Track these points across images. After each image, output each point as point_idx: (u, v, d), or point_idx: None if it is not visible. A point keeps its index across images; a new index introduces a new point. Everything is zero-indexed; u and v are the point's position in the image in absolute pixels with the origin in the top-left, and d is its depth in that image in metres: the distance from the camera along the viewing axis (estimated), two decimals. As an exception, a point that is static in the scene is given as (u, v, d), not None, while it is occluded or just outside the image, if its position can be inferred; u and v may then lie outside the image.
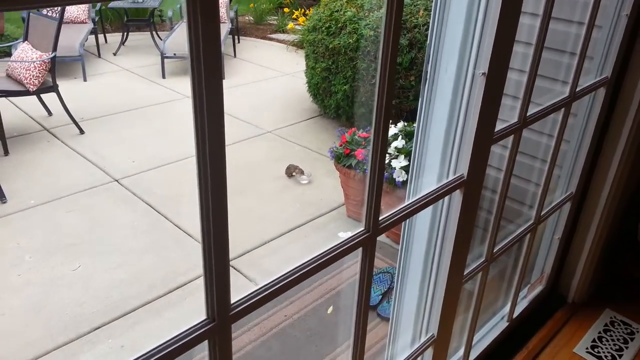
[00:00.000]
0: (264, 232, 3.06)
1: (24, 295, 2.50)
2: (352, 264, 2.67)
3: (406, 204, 0.97)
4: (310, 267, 0.81)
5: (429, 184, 1.09)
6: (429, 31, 1.07)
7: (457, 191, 1.06)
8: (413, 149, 1.15)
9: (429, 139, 1.12)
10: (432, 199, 1.00)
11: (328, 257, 0.83)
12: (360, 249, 0.90)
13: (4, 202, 3.20)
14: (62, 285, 2.57)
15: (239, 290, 2.43)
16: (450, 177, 1.06)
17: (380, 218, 0.90)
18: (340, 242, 0.85)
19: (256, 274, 2.69)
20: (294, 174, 3.63)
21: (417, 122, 1.15)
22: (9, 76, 4.10)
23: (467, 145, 1.03)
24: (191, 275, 2.63)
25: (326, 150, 4.07)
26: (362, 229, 0.88)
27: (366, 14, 3.76)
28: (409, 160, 2.52)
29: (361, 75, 3.78)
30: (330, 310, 2.30)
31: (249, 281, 2.63)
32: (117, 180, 3.54)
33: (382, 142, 0.85)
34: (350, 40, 3.73)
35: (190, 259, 2.78)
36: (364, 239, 0.88)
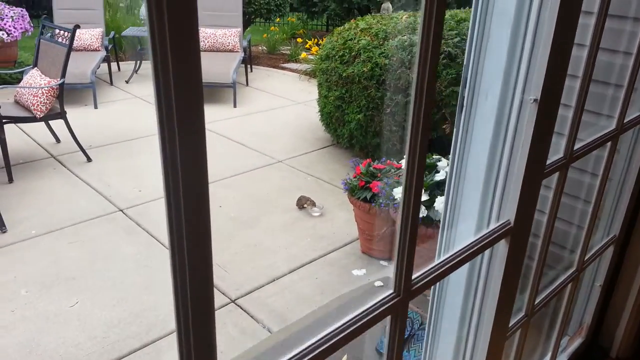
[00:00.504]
0: (273, 267, 2.89)
1: (16, 334, 2.34)
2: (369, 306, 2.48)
3: (441, 260, 0.81)
4: (326, 345, 0.64)
5: (466, 233, 0.93)
6: (466, 52, 0.93)
7: (502, 241, 0.90)
8: (446, 190, 1.00)
9: (465, 177, 0.97)
10: (472, 253, 0.84)
11: (348, 331, 0.67)
12: (389, 317, 0.73)
13: (4, 232, 3.07)
14: (58, 323, 2.41)
15: (246, 335, 2.21)
16: (494, 225, 0.90)
17: (412, 277, 0.74)
18: (363, 311, 0.68)
19: (264, 315, 2.51)
20: (305, 205, 3.48)
21: (451, 157, 1.00)
22: (17, 102, 4.05)
23: (514, 183, 0.87)
24: (194, 315, 2.46)
25: (339, 182, 3.92)
26: (391, 292, 0.72)
27: (381, 42, 3.67)
28: (429, 195, 2.37)
29: (375, 104, 3.66)
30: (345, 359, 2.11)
31: (256, 322, 2.45)
32: (122, 210, 3.41)
33: (416, 183, 0.70)
34: (364, 69, 3.63)
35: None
36: (394, 304, 0.72)
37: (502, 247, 0.91)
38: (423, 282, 0.77)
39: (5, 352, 2.23)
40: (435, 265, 0.80)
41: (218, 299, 2.61)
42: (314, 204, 3.47)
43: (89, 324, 2.41)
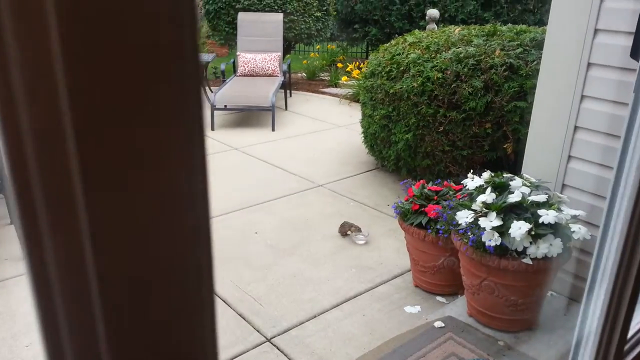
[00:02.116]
0: (314, 302, 2.55)
1: (28, 372, 2.09)
2: (428, 352, 2.10)
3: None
4: None
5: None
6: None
7: None
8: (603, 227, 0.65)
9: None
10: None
11: None
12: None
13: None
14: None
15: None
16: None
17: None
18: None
19: (305, 357, 2.16)
20: (349, 232, 3.15)
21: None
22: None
23: None
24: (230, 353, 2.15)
25: (385, 207, 3.58)
26: None
27: (432, 55, 3.37)
28: (503, 219, 2.00)
29: (426, 122, 3.34)
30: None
31: (295, 366, 2.11)
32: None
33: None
34: (414, 84, 3.33)
35: (228, 331, 2.30)
36: None
37: None
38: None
39: (13, 394, 1.98)
40: None
41: (252, 337, 2.29)
42: (359, 230, 3.14)
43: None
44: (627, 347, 0.52)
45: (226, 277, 2.72)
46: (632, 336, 0.57)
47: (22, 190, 0.20)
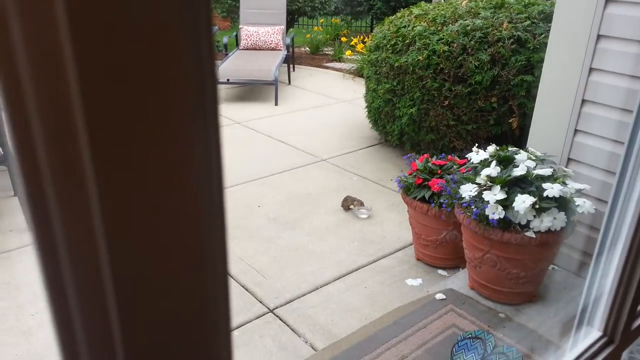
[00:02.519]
0: (316, 274, 2.57)
1: (33, 340, 2.12)
2: (428, 323, 2.12)
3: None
4: None
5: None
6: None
7: None
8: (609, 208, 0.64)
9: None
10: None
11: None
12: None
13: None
14: (79, 329, 2.17)
15: (286, 350, 1.88)
16: None
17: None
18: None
19: (307, 328, 2.19)
20: (351, 206, 3.15)
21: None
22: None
23: None
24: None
25: (388, 182, 3.58)
26: (600, 334, 0.39)
27: (439, 27, 3.31)
28: (507, 192, 1.99)
29: (431, 96, 3.30)
30: (403, 386, 1.76)
31: (297, 336, 2.14)
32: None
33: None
34: (419, 57, 3.28)
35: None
36: (605, 358, 0.39)
37: None
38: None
39: (21, 360, 2.01)
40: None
41: (254, 308, 2.31)
42: (361, 204, 3.14)
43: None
44: (640, 306, 0.52)
45: (229, 250, 2.74)
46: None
47: (27, 164, 0.19)
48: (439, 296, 2.27)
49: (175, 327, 0.22)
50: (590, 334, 0.47)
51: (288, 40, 6.29)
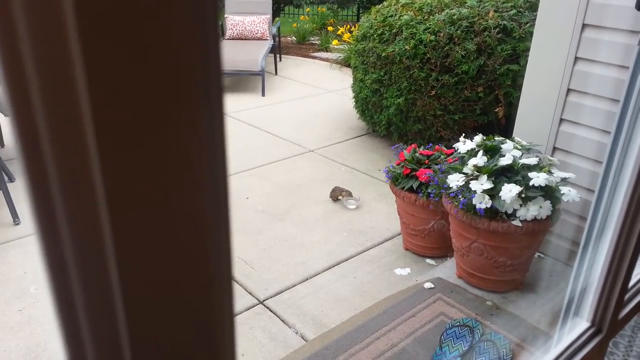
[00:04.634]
0: (305, 265, 2.58)
1: (22, 336, 2.10)
2: (417, 312, 2.14)
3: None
4: None
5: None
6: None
7: None
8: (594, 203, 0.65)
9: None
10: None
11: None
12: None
13: (17, 224, 2.86)
14: (68, 324, 2.16)
15: (276, 341, 1.89)
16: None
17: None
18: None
19: (297, 318, 2.20)
20: (340, 197, 3.16)
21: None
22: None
23: None
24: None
25: (376, 172, 3.59)
26: (588, 325, 0.40)
27: (425, 17, 3.31)
28: (494, 182, 2.01)
29: (418, 86, 3.31)
30: (393, 374, 1.78)
31: (287, 327, 2.15)
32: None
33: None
34: (406, 47, 3.27)
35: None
36: (593, 348, 0.39)
37: None
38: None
39: (8, 358, 1.99)
40: None
41: (244, 300, 2.31)
42: (350, 195, 3.15)
43: (101, 325, 2.15)
44: (627, 296, 0.52)
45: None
46: (633, 285, 0.57)
47: (30, 151, 0.19)
48: (428, 285, 2.30)
49: (182, 315, 0.22)
50: (579, 325, 0.48)
51: (274, 30, 6.23)
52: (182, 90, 0.19)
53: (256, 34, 6.12)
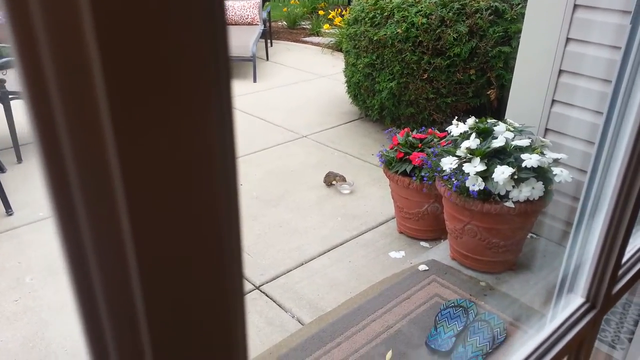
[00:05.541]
0: (301, 250, 2.59)
1: (19, 326, 2.10)
2: (412, 294, 2.16)
3: None
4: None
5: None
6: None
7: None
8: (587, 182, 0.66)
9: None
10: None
11: None
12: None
13: (10, 214, 2.84)
14: (64, 314, 2.16)
15: (273, 325, 1.90)
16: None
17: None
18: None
19: (293, 303, 2.21)
20: (333, 182, 3.17)
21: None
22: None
23: None
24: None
25: (369, 157, 3.59)
26: (583, 300, 0.41)
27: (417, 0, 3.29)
28: (487, 164, 2.02)
29: (411, 69, 3.30)
30: (389, 356, 1.81)
31: (283, 312, 2.17)
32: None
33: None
34: (398, 30, 3.26)
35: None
36: (587, 323, 0.40)
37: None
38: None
39: (6, 347, 2.00)
40: None
41: (241, 286, 2.32)
42: (343, 180, 3.15)
43: (98, 314, 2.15)
44: (621, 271, 0.54)
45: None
46: (627, 261, 0.59)
47: (44, 129, 0.18)
48: (422, 267, 2.32)
49: (197, 289, 0.22)
50: (574, 301, 0.49)
51: (265, 15, 6.17)
52: (194, 73, 0.19)
53: (246, 19, 6.06)
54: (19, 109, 3.73)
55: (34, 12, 0.16)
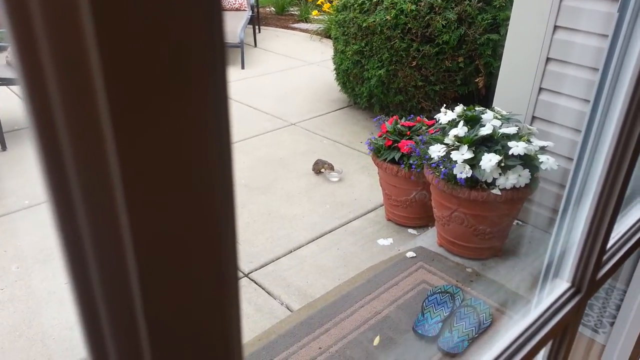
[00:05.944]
0: (289, 238, 2.59)
1: (5, 314, 2.09)
2: (400, 280, 2.18)
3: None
4: None
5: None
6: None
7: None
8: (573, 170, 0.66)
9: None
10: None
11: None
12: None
13: (-6, 202, 2.80)
14: (52, 302, 2.15)
15: (262, 312, 1.91)
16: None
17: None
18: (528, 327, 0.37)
19: (282, 290, 2.22)
20: (322, 170, 3.17)
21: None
22: (9, 64, 3.73)
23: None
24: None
25: (358, 144, 3.59)
26: (568, 285, 0.41)
27: (406, -14, 3.27)
28: (474, 152, 2.03)
29: (399, 57, 3.29)
30: (377, 341, 1.83)
31: (272, 299, 2.18)
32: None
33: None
34: (387, 17, 3.24)
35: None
36: (572, 303, 0.41)
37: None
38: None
39: (-8, 335, 1.98)
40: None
41: (230, 273, 2.33)
42: (332, 168, 3.15)
43: (86, 302, 2.14)
44: (605, 257, 0.54)
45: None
46: (611, 247, 0.60)
47: (41, 117, 0.18)
48: (410, 254, 2.34)
49: (192, 273, 0.22)
50: (560, 286, 0.50)
51: (252, 0, 6.09)
52: (192, 56, 0.19)
53: (234, 4, 5.98)
54: (2, 95, 3.66)
55: (31, 6, 0.16)
